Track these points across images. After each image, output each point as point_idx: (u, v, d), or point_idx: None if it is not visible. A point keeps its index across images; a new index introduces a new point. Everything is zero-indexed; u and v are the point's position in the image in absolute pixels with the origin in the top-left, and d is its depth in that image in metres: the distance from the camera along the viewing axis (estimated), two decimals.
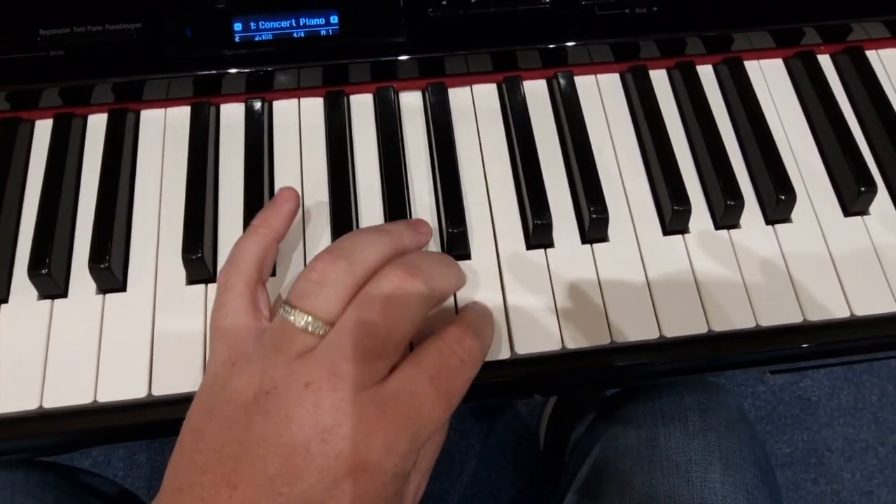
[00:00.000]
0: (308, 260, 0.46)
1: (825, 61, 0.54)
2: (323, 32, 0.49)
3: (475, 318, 0.40)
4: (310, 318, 0.35)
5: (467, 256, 0.47)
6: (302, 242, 0.47)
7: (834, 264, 0.47)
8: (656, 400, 0.62)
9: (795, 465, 1.26)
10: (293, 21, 0.49)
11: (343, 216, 0.46)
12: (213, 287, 0.45)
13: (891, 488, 1.25)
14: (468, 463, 1.21)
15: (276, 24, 0.49)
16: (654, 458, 0.57)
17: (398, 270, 0.36)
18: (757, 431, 0.62)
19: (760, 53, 0.54)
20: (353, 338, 0.34)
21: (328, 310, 0.35)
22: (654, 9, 0.50)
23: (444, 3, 0.49)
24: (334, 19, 0.49)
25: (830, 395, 1.32)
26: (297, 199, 0.43)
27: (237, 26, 0.49)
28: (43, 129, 0.50)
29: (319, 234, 0.47)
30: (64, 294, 0.45)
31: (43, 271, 0.43)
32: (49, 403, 0.42)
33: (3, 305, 0.44)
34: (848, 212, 0.49)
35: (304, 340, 0.35)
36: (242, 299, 0.38)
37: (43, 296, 0.45)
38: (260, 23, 0.49)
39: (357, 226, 0.47)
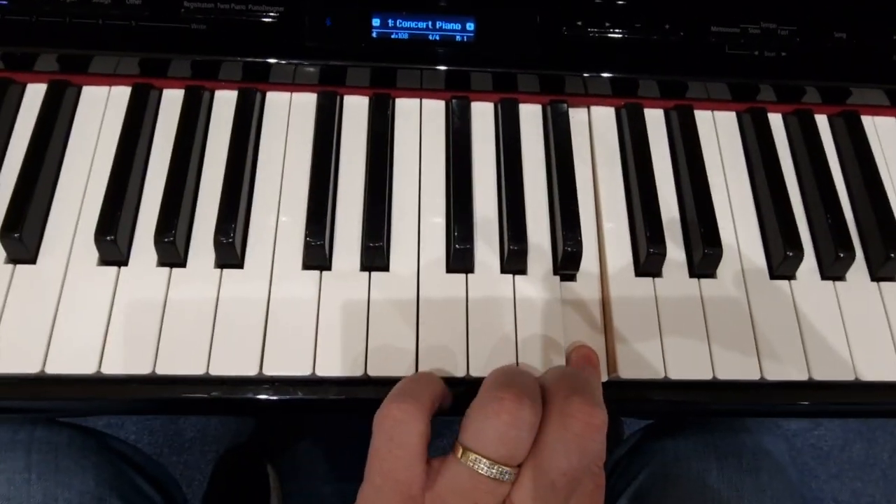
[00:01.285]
0: (422, 261, 0.46)
1: None
2: (458, 38, 0.50)
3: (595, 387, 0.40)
4: (501, 468, 0.33)
5: (574, 277, 0.47)
6: (416, 236, 0.47)
7: None
8: (710, 434, 0.62)
9: None
10: (430, 23, 0.49)
11: (464, 216, 0.47)
12: (328, 274, 0.46)
13: None
14: None
15: (413, 24, 0.49)
16: (705, 490, 0.58)
17: (583, 406, 0.34)
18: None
19: (875, 110, 0.54)
20: (558, 485, 0.34)
21: (520, 456, 0.34)
22: (783, 54, 0.51)
23: (580, 23, 0.50)
24: (471, 26, 0.50)
25: (843, 446, 1.33)
26: None
27: (375, 21, 0.49)
28: (170, 99, 0.51)
29: (433, 231, 0.48)
30: (183, 264, 0.45)
31: (167, 239, 0.44)
32: (162, 370, 0.42)
33: (123, 268, 0.45)
34: None
35: (500, 491, 0.34)
36: (422, 441, 0.35)
37: (162, 263, 0.45)
38: (398, 21, 0.49)
39: (474, 228, 0.47)
